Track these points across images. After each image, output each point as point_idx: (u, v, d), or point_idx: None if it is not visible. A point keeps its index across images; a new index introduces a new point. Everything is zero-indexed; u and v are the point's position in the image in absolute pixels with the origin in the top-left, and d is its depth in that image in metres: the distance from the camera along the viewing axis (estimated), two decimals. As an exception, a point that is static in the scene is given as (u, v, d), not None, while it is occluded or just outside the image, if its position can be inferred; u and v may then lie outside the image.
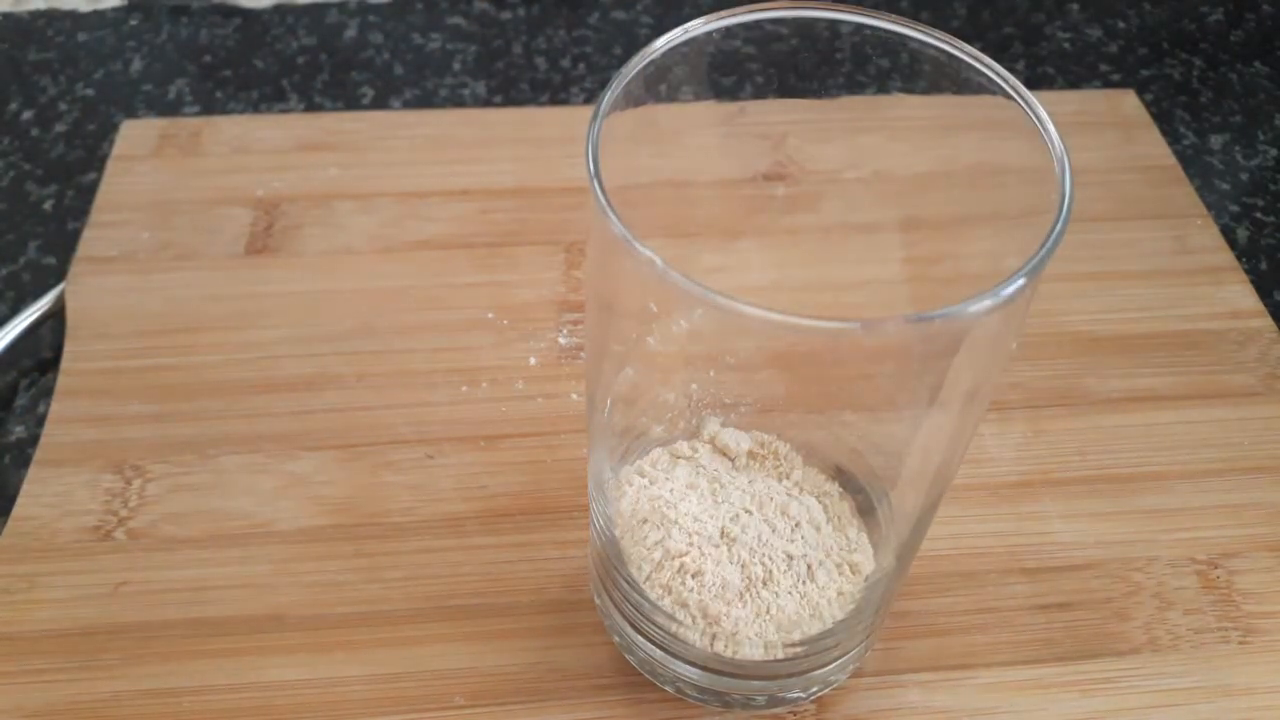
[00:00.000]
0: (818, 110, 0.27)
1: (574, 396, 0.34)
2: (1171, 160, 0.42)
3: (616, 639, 0.28)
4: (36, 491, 0.32)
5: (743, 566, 0.25)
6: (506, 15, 0.49)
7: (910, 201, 0.27)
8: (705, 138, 0.28)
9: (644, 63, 0.22)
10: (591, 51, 0.48)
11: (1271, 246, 0.41)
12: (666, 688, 0.28)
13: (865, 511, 0.27)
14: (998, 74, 0.22)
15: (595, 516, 0.27)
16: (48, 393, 0.34)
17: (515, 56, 0.47)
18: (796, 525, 0.26)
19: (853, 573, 0.26)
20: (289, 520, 0.31)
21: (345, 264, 0.38)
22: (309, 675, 0.28)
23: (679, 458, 0.27)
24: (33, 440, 0.33)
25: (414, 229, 0.39)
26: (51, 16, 0.48)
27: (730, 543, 0.25)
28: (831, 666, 0.27)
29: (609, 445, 0.27)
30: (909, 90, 0.24)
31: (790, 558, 0.25)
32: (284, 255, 0.38)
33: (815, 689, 0.28)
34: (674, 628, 0.26)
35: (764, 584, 0.25)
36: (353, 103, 0.45)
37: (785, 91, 0.26)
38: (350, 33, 0.48)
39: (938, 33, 0.23)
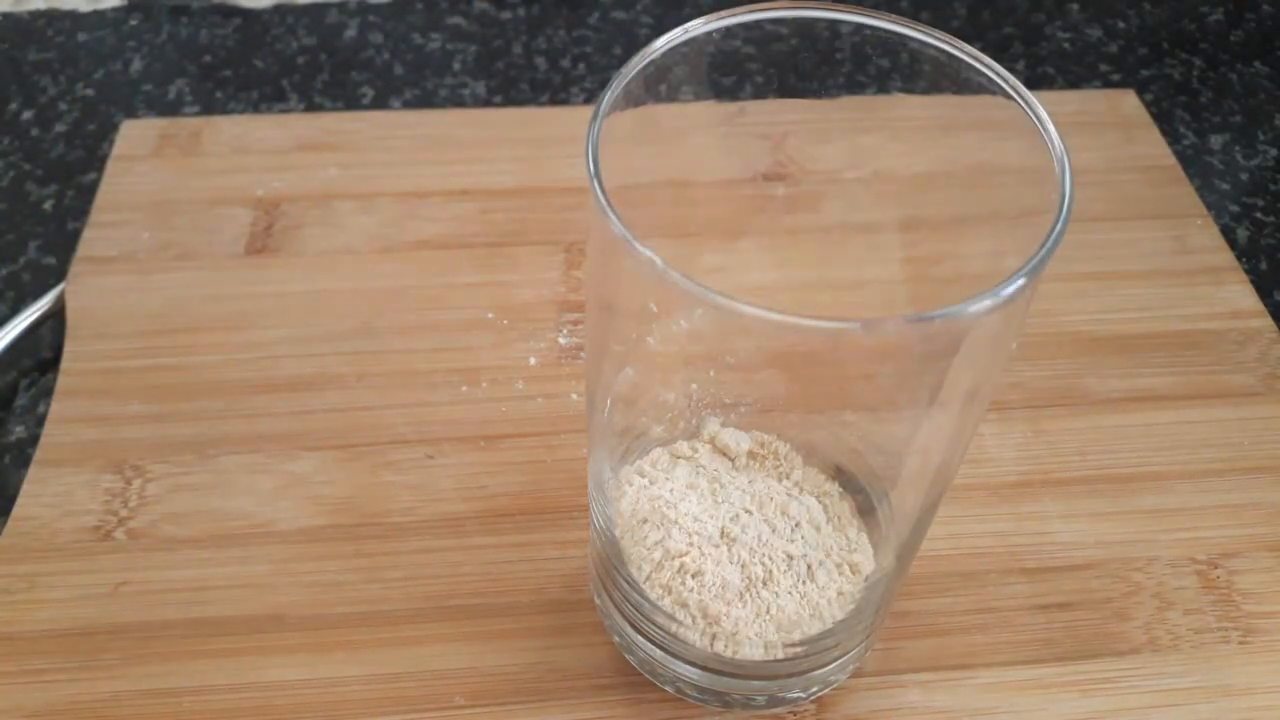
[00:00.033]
0: (818, 110, 0.27)
1: (574, 396, 0.34)
2: (1171, 160, 0.42)
3: (616, 639, 0.28)
4: (36, 491, 0.32)
5: (743, 566, 0.25)
6: (506, 15, 0.49)
7: (910, 201, 0.27)
8: (705, 138, 0.28)
9: (644, 63, 0.22)
10: (591, 51, 0.48)
11: (1271, 246, 0.41)
12: (666, 688, 0.28)
13: (865, 511, 0.27)
14: (998, 74, 0.22)
15: (595, 516, 0.27)
16: (48, 393, 0.34)
17: (515, 56, 0.47)
18: (796, 525, 0.26)
19: (853, 573, 0.26)
20: (289, 520, 0.31)
21: (345, 264, 0.38)
22: (309, 675, 0.28)
23: (679, 458, 0.27)
24: (33, 440, 0.33)
25: (414, 229, 0.39)
26: (51, 16, 0.48)
27: (730, 543, 0.25)
28: (831, 666, 0.27)
29: (609, 445, 0.27)
30: (909, 90, 0.24)
31: (790, 558, 0.25)
32: (284, 255, 0.38)
33: (815, 689, 0.28)
34: (674, 628, 0.26)
35: (764, 584, 0.25)
36: (353, 103, 0.45)
37: (785, 91, 0.26)
38: (350, 33, 0.48)
39: (938, 33, 0.23)
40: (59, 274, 0.38)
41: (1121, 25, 0.50)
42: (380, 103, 0.45)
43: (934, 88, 0.23)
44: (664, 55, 0.23)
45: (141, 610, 0.29)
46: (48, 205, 0.41)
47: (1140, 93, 0.45)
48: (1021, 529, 0.32)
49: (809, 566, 0.25)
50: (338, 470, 0.32)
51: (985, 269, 0.21)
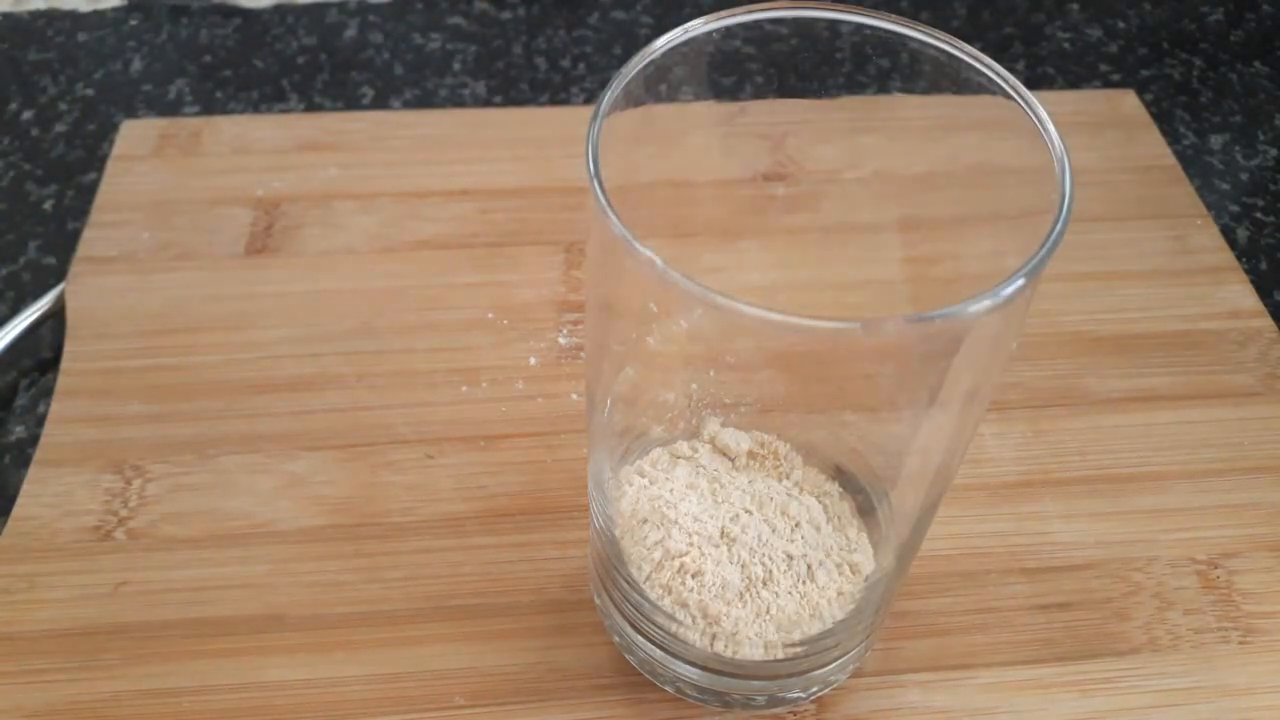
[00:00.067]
0: (818, 110, 0.27)
1: (574, 396, 0.34)
2: (1171, 160, 0.42)
3: (616, 639, 0.28)
4: (36, 491, 0.32)
5: (743, 566, 0.25)
6: (506, 15, 0.49)
7: (910, 201, 0.27)
8: (705, 138, 0.28)
9: (644, 63, 0.22)
10: (591, 51, 0.48)
11: (1271, 246, 0.41)
12: (666, 688, 0.28)
13: (865, 511, 0.27)
14: (998, 74, 0.22)
15: (595, 516, 0.27)
16: (48, 393, 0.34)
17: (515, 56, 0.47)
18: (796, 525, 0.26)
19: (853, 573, 0.26)
20: (289, 520, 0.31)
21: (345, 264, 0.38)
22: (309, 675, 0.28)
23: (679, 458, 0.27)
24: (33, 440, 0.33)
25: (414, 229, 0.39)
26: (51, 16, 0.48)
27: (730, 543, 0.25)
28: (831, 666, 0.27)
29: (609, 445, 0.27)
30: (909, 90, 0.24)
31: (790, 558, 0.25)
32: (284, 255, 0.38)
33: (815, 689, 0.28)
34: (674, 628, 0.26)
35: (764, 584, 0.25)
36: (353, 103, 0.45)
37: (785, 91, 0.26)
38: (350, 33, 0.48)
39: (938, 33, 0.23)
40: (59, 274, 0.38)
41: (1121, 25, 0.50)
42: (380, 103, 0.45)
43: (934, 88, 0.23)
44: (664, 55, 0.23)
45: (141, 610, 0.29)
46: (48, 205, 0.41)
47: (1140, 93, 0.45)
48: (1021, 529, 0.32)
49: (809, 566, 0.25)
50: (337, 470, 0.32)
51: (985, 269, 0.21)
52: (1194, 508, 0.32)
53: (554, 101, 0.46)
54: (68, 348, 0.35)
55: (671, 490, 0.26)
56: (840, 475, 0.27)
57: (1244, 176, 0.43)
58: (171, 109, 0.44)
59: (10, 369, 0.36)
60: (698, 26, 0.23)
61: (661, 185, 0.26)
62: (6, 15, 0.48)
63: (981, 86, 0.22)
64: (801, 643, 0.25)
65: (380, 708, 0.28)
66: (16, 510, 0.31)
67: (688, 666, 0.27)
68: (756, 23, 0.23)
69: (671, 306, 0.22)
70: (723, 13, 0.23)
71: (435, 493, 0.32)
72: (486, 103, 0.45)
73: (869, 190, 0.28)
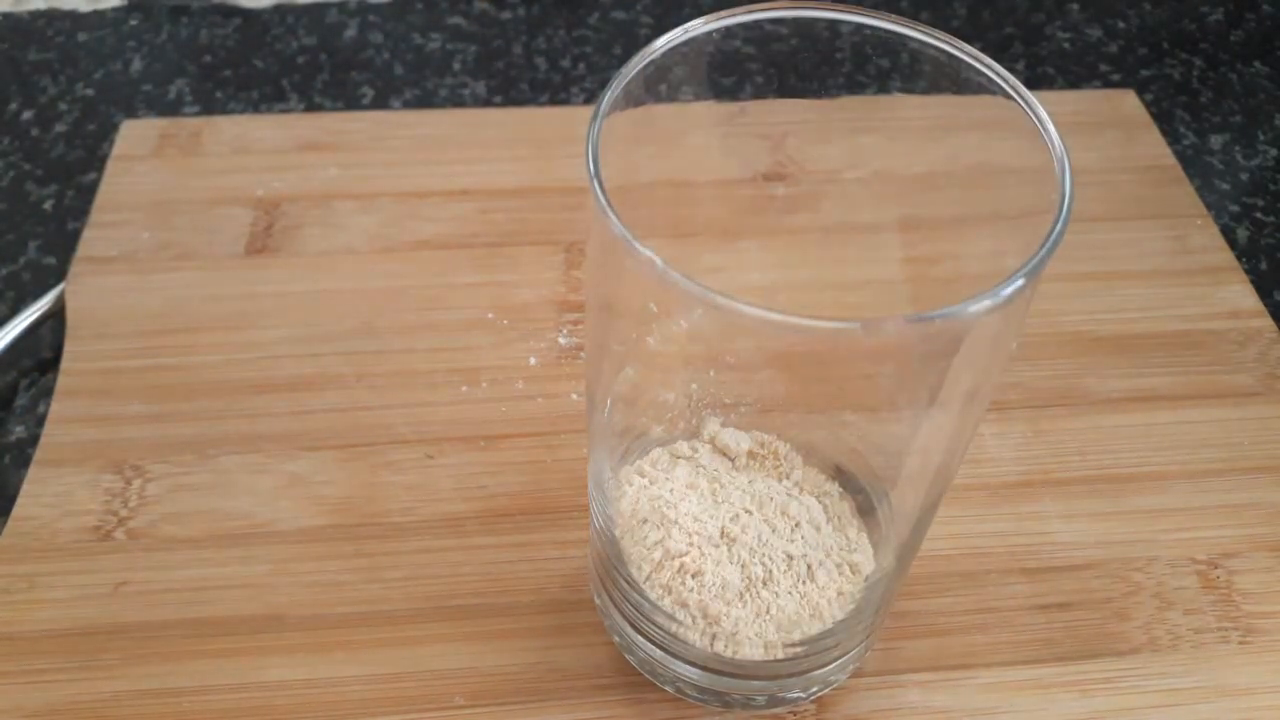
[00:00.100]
0: (818, 110, 0.27)
1: (574, 396, 0.34)
2: (1171, 160, 0.42)
3: (616, 639, 0.28)
4: (36, 491, 0.32)
5: (743, 566, 0.25)
6: (506, 15, 0.49)
7: (910, 201, 0.27)
8: (705, 138, 0.28)
9: (644, 63, 0.22)
10: (591, 51, 0.48)
11: (1271, 246, 0.41)
12: (666, 688, 0.28)
13: (865, 511, 0.27)
14: (998, 74, 0.22)
15: (595, 516, 0.27)
16: (48, 393, 0.34)
17: (515, 56, 0.47)
18: (796, 525, 0.26)
19: (853, 573, 0.26)
20: (289, 520, 0.31)
21: (345, 264, 0.38)
22: (309, 675, 0.28)
23: (679, 458, 0.27)
24: (33, 440, 0.33)
25: (414, 229, 0.39)
26: (51, 16, 0.48)
27: (730, 543, 0.25)
28: (831, 666, 0.27)
29: (609, 445, 0.27)
30: (909, 90, 0.24)
31: (790, 558, 0.25)
32: (284, 255, 0.38)
33: (815, 689, 0.28)
34: (674, 628, 0.26)
35: (764, 584, 0.25)
36: (353, 103, 0.45)
37: (785, 91, 0.26)
38: (350, 33, 0.48)
39: (938, 33, 0.23)
40: (59, 274, 0.38)
41: (1121, 25, 0.50)
42: (380, 103, 0.45)
43: (934, 88, 0.23)
44: (664, 55, 0.23)
45: (141, 610, 0.29)
46: (48, 205, 0.41)
47: (1140, 93, 0.45)
48: (1021, 529, 0.32)
49: (809, 566, 0.25)
50: (337, 470, 0.32)
51: (985, 269, 0.21)
52: (1194, 508, 0.32)
53: (554, 101, 0.46)
54: (68, 348, 0.35)
55: (671, 490, 0.26)
56: (840, 475, 0.27)
57: (1244, 176, 0.43)
58: (171, 109, 0.44)
59: (10, 369, 0.36)
60: (698, 26, 0.23)
61: (661, 185, 0.26)
62: (6, 15, 0.48)
63: (981, 86, 0.22)
64: (801, 643, 0.25)
65: (380, 708, 0.28)
66: (16, 510, 0.31)
67: (688, 666, 0.27)
68: (756, 23, 0.23)
69: (671, 306, 0.22)
70: (723, 13, 0.23)
71: (435, 493, 0.32)
72: (486, 103, 0.45)
73: (869, 190, 0.28)
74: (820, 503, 0.26)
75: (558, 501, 0.32)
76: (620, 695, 0.28)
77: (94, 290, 0.37)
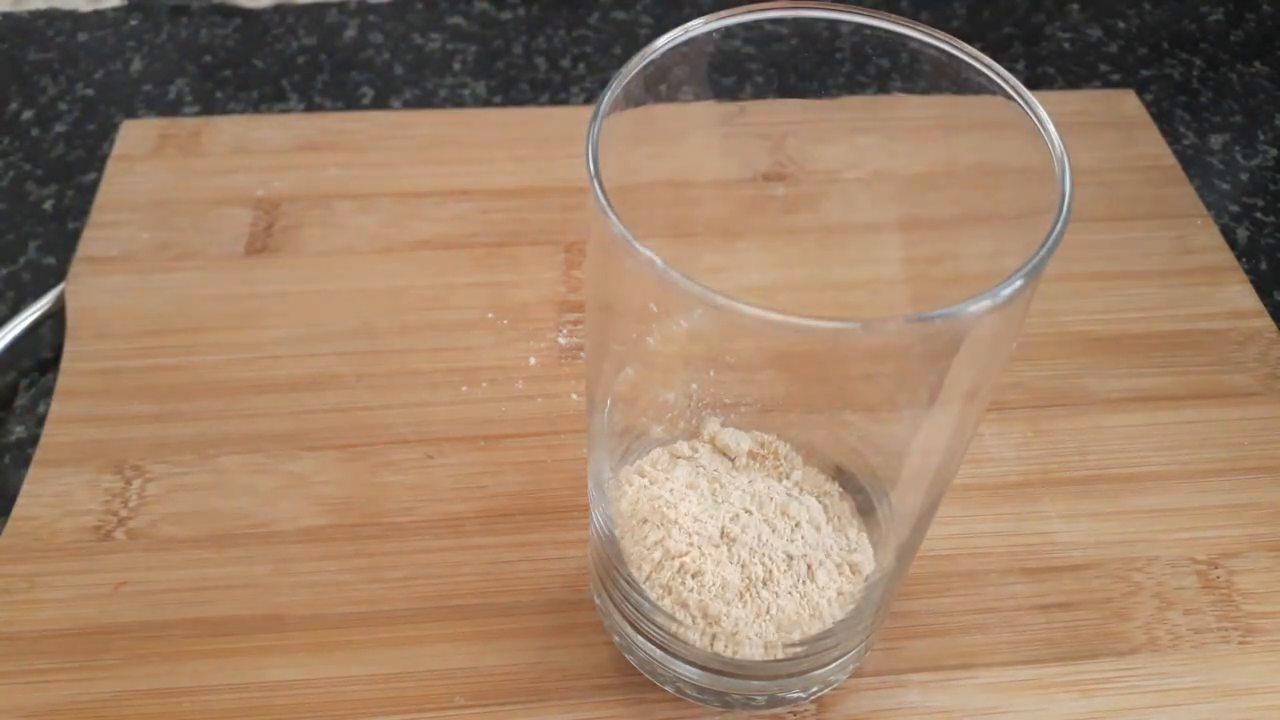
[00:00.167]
0: (818, 110, 0.27)
1: (574, 396, 0.34)
2: (1171, 160, 0.42)
3: (616, 639, 0.28)
4: (36, 491, 0.32)
5: (743, 566, 0.25)
6: (506, 15, 0.49)
7: (910, 201, 0.27)
8: (705, 138, 0.28)
9: (644, 63, 0.22)
10: (591, 51, 0.48)
11: (1271, 246, 0.41)
12: (666, 688, 0.28)
13: (865, 511, 0.27)
14: (998, 74, 0.22)
15: (595, 516, 0.27)
16: (48, 393, 0.34)
17: (515, 56, 0.47)
18: (796, 525, 0.26)
19: (853, 573, 0.26)
20: (289, 520, 0.31)
21: (345, 264, 0.38)
22: (309, 675, 0.28)
23: (679, 458, 0.27)
24: (33, 440, 0.33)
25: (414, 229, 0.39)
26: (51, 16, 0.48)
27: (730, 543, 0.25)
28: (831, 666, 0.27)
29: (609, 445, 0.27)
30: (909, 90, 0.24)
31: (790, 558, 0.25)
32: (284, 255, 0.38)
33: (815, 689, 0.28)
34: (674, 628, 0.26)
35: (764, 584, 0.25)
36: (353, 103, 0.45)
37: (785, 91, 0.26)
38: (350, 33, 0.48)
39: (938, 33, 0.23)
40: (59, 274, 0.38)
41: (1121, 25, 0.50)
42: (380, 103, 0.45)
43: (934, 88, 0.23)
44: (664, 55, 0.23)
45: (141, 610, 0.29)
46: (48, 205, 0.41)
47: (1140, 93, 0.45)
48: (1021, 529, 0.32)
49: (809, 566, 0.25)
50: (338, 470, 0.32)
51: (985, 269, 0.21)
52: (1194, 508, 0.32)
53: (554, 101, 0.46)
54: (68, 348, 0.35)
55: (671, 490, 0.26)
56: (840, 475, 0.27)
57: (1244, 176, 0.43)
58: (171, 109, 0.44)
59: (10, 369, 0.36)
60: (698, 26, 0.23)
61: (661, 185, 0.26)
62: (6, 15, 0.48)
63: (981, 86, 0.22)
64: (801, 643, 0.25)
65: (380, 708, 0.28)
66: (16, 510, 0.31)
67: (688, 666, 0.27)
68: (756, 23, 0.23)
69: (671, 306, 0.22)
70: (723, 13, 0.23)
71: (435, 493, 0.32)
72: (486, 103, 0.45)
73: (869, 190, 0.28)
74: (820, 503, 0.26)
75: (558, 501, 0.32)
76: (620, 695, 0.28)
77: (94, 290, 0.37)
